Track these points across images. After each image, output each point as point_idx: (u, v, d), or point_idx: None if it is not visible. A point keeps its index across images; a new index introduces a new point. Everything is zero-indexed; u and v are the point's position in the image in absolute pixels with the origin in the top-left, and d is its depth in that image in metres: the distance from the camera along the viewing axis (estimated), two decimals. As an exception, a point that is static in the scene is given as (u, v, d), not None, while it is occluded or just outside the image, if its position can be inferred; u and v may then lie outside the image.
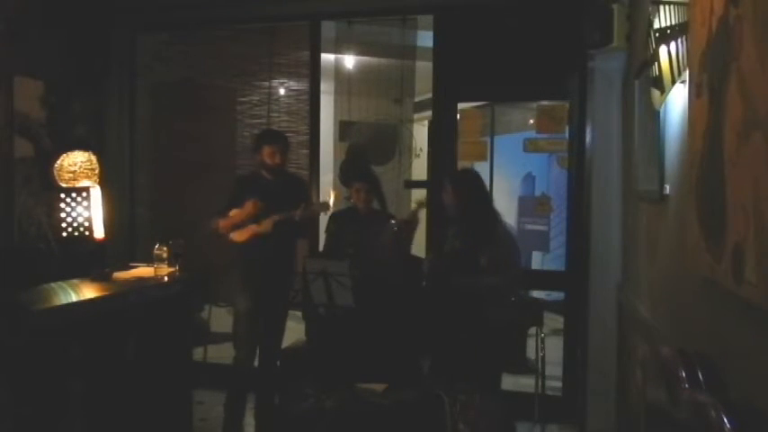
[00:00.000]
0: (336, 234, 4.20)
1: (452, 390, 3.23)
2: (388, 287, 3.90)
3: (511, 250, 3.57)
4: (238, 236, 3.99)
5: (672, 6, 2.26)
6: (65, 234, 3.79)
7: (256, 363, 4.21)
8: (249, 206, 3.92)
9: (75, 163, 3.99)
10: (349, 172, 5.04)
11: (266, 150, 4.05)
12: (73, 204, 3.80)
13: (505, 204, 3.76)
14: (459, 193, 3.62)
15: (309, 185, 4.89)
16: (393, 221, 4.06)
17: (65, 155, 4.04)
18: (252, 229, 3.96)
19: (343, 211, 4.27)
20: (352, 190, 4.16)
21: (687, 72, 2.14)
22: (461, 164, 4.89)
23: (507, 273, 3.50)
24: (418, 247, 4.88)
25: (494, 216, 3.61)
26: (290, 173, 4.42)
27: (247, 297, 4.05)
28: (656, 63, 2.36)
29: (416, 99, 5.35)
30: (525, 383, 4.03)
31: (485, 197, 3.68)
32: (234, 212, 4.00)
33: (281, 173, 4.12)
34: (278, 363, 4.18)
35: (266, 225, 3.95)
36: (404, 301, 3.93)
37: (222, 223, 4.02)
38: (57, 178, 4.00)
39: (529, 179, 7.40)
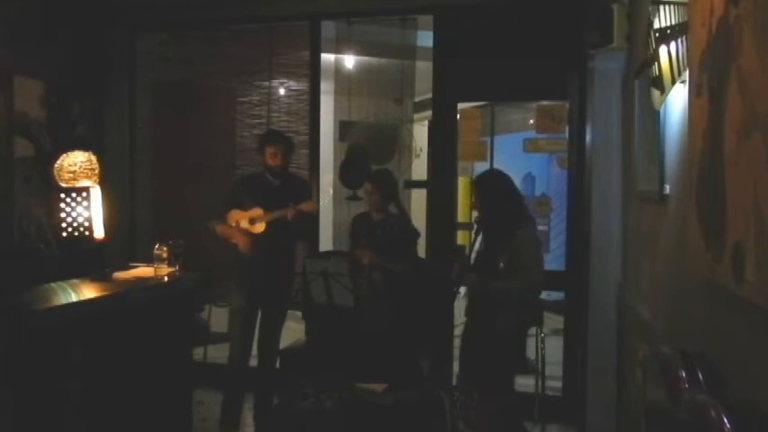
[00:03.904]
0: (351, 238, 4.18)
1: (452, 390, 3.23)
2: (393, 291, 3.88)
3: (529, 255, 3.49)
4: (235, 240, 4.02)
5: (672, 6, 2.26)
6: (65, 234, 3.79)
7: (254, 363, 4.22)
8: (243, 241, 3.95)
9: (75, 163, 3.99)
10: (349, 172, 5.04)
11: (268, 151, 4.05)
12: (73, 204, 3.80)
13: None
14: (479, 194, 3.63)
15: (311, 185, 4.90)
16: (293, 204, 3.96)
17: (65, 155, 4.04)
18: (246, 231, 3.98)
19: (362, 213, 4.25)
20: (364, 191, 4.13)
21: (687, 72, 2.14)
22: (461, 164, 4.89)
23: (524, 277, 3.46)
24: (418, 246, 4.88)
25: (515, 218, 3.53)
26: (293, 174, 4.40)
27: (242, 296, 4.06)
28: (656, 63, 2.36)
29: (416, 99, 5.35)
30: (525, 383, 4.02)
31: (504, 199, 3.59)
32: (233, 215, 4.02)
33: (282, 174, 4.11)
34: (276, 363, 4.19)
35: (259, 227, 3.97)
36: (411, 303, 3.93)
37: (219, 229, 4.07)
38: (57, 178, 3.99)
39: (529, 179, 7.40)
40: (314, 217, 4.39)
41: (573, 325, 4.38)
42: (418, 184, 5.00)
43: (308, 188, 4.44)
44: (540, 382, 4.16)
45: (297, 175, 4.57)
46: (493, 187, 3.64)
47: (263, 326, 4.17)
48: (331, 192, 5.44)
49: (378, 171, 4.34)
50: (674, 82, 2.26)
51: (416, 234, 4.13)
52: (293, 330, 4.58)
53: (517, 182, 7.16)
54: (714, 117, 1.76)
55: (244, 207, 4.04)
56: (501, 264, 3.48)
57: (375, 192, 4.02)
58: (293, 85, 5.08)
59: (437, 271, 4.19)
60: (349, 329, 3.69)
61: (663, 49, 2.29)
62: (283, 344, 4.24)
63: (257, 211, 3.99)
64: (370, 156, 5.05)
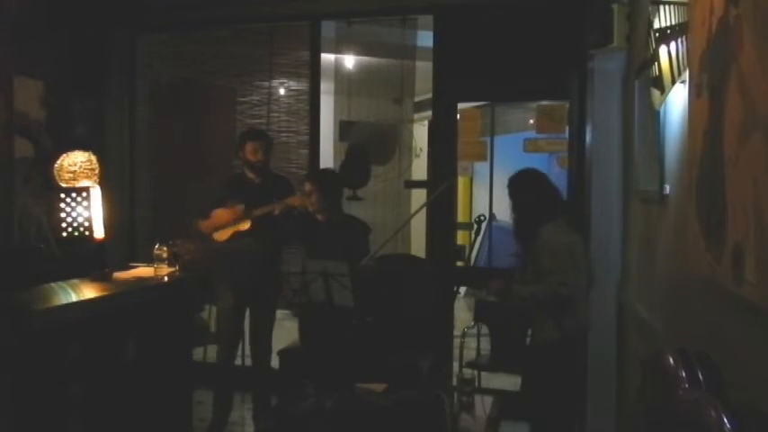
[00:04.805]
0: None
1: (452, 389, 3.23)
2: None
3: (547, 257, 3.19)
4: (220, 235, 4.04)
5: (672, 6, 2.26)
6: (65, 234, 3.78)
7: (249, 362, 4.23)
8: (226, 213, 3.98)
9: (75, 163, 3.98)
10: (349, 172, 5.04)
11: (249, 147, 4.06)
12: (73, 204, 3.79)
13: (505, 204, 3.64)
14: (509, 196, 3.41)
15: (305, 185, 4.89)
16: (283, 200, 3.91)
17: (65, 155, 4.03)
18: (232, 228, 4.00)
19: (299, 214, 4.03)
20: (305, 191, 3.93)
21: (687, 72, 2.15)
22: (461, 164, 4.89)
23: (547, 281, 3.16)
24: (418, 246, 4.89)
25: (539, 218, 3.25)
26: (274, 173, 4.36)
27: (229, 294, 4.08)
28: (656, 63, 2.36)
29: (416, 99, 5.34)
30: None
31: (528, 199, 3.33)
32: (217, 212, 4.05)
33: (264, 172, 4.12)
34: (270, 362, 4.18)
35: (245, 223, 3.98)
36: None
37: (204, 224, 4.09)
38: (57, 178, 3.98)
39: (529, 179, 7.37)
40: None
41: (573, 325, 4.37)
42: (418, 184, 5.01)
43: (291, 185, 4.31)
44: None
45: (277, 173, 4.47)
46: (519, 187, 3.39)
47: (252, 325, 4.18)
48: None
49: (317, 170, 4.32)
50: (674, 82, 2.27)
51: (368, 230, 4.00)
52: (293, 330, 4.58)
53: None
54: (714, 117, 1.76)
55: (226, 206, 4.04)
56: (528, 267, 3.33)
57: (313, 192, 3.86)
58: (293, 85, 5.08)
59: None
60: (342, 329, 3.69)
61: (663, 49, 2.30)
62: (283, 344, 4.24)
63: (239, 208, 3.99)
64: (370, 156, 5.05)
